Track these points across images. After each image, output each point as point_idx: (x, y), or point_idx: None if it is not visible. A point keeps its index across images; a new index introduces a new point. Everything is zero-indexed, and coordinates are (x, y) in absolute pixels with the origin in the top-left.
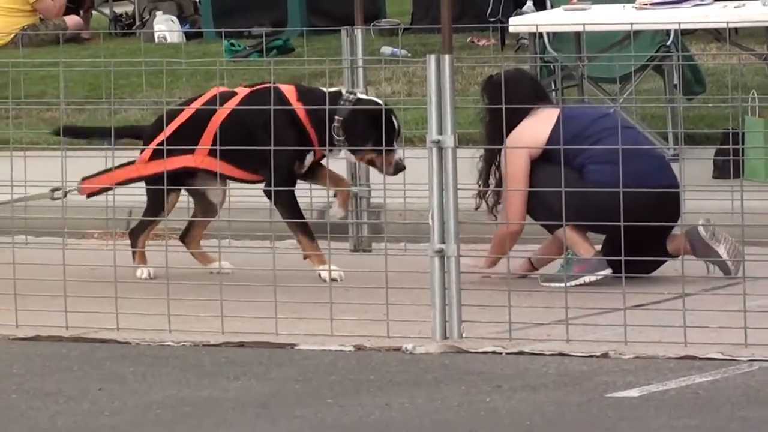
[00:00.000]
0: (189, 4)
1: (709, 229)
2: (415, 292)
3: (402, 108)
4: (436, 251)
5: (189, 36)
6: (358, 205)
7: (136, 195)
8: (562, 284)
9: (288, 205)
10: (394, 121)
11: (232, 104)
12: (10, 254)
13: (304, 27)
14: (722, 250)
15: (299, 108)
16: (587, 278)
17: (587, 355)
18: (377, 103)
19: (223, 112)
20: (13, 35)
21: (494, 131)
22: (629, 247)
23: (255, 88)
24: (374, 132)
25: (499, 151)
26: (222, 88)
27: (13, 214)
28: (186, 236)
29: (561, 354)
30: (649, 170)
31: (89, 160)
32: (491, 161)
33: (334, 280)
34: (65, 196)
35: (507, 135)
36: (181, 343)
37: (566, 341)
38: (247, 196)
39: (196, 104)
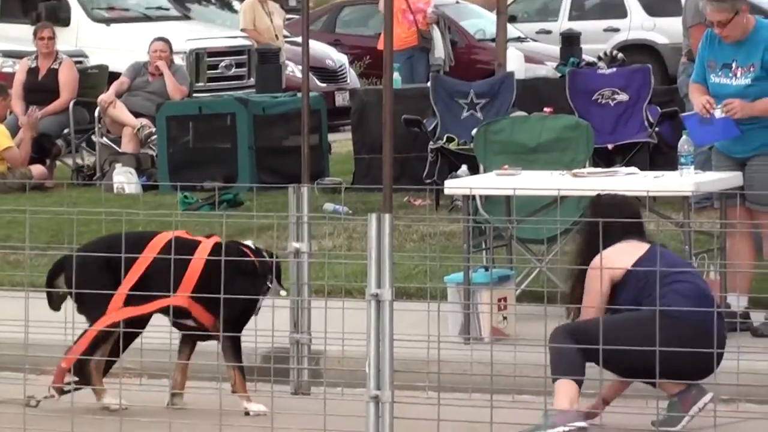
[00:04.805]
0: (146, 158)
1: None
2: None
3: (343, 262)
4: (372, 397)
5: (146, 188)
6: (299, 351)
7: None
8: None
9: (235, 348)
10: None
11: (202, 253)
12: None
13: (254, 183)
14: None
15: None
16: (562, 429)
17: None
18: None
19: (200, 259)
20: None
21: (586, 248)
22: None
23: (215, 239)
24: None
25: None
26: (175, 233)
27: None
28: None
29: None
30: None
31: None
32: (581, 279)
33: (258, 414)
34: (37, 405)
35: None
36: None
37: None
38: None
39: (155, 249)
